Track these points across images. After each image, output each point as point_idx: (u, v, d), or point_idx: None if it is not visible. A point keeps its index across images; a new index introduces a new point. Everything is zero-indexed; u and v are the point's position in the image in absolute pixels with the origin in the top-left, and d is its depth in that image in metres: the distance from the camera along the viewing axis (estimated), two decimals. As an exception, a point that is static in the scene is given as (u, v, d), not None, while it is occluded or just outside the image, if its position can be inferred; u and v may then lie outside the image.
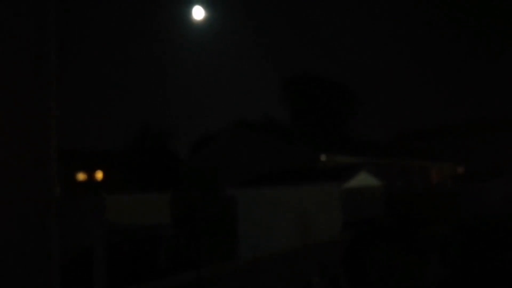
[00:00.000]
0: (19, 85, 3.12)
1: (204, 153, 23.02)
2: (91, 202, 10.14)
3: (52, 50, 3.38)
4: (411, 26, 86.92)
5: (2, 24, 3.03)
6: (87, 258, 7.72)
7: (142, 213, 10.18)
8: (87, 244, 7.98)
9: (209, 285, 6.65)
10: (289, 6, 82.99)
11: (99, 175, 40.60)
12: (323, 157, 17.77)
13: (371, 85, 75.10)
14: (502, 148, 33.91)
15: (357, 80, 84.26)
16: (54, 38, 3.40)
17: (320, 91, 36.41)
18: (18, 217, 2.96)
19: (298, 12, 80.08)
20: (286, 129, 31.09)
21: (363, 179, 14.76)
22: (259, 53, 79.95)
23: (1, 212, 2.85)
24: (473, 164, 30.70)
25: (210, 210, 8.71)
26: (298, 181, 14.14)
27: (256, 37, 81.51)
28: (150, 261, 8.58)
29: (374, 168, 16.31)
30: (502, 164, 28.43)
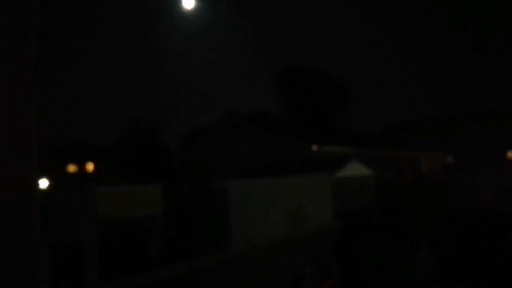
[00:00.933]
0: None
1: (196, 145, 22.96)
2: (82, 195, 10.08)
3: (32, 39, 3.32)
4: (401, 18, 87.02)
5: None
6: (79, 250, 7.70)
7: (133, 206, 10.14)
8: (78, 237, 7.94)
9: (201, 276, 6.67)
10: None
11: (90, 167, 40.33)
12: (314, 148, 17.82)
13: (362, 77, 75.29)
14: (491, 139, 34.26)
15: (348, 72, 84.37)
16: (36, 26, 3.35)
17: (311, 83, 36.40)
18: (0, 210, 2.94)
19: (291, 4, 79.72)
20: (278, 121, 31.08)
21: (354, 169, 14.84)
22: (251, 45, 79.56)
23: None
24: (462, 155, 31.01)
25: (202, 202, 8.70)
26: (289, 172, 14.18)
27: (248, 29, 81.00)
28: (142, 254, 8.58)
29: (365, 158, 16.41)
30: (491, 154, 28.77)
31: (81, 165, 39.71)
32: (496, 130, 34.88)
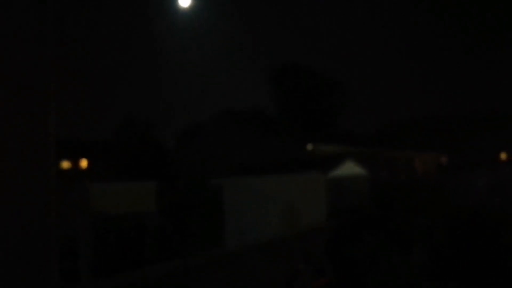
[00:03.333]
0: (20, 82, 3.10)
1: (191, 142, 22.94)
2: (76, 191, 10.04)
3: (51, 46, 3.36)
4: (398, 18, 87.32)
5: (5, 21, 3.00)
6: (73, 247, 7.67)
7: (127, 202, 10.10)
8: (73, 233, 7.92)
9: (196, 273, 6.68)
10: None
11: (83, 163, 40.12)
12: (309, 147, 17.86)
13: (358, 76, 75.48)
14: (485, 139, 34.51)
15: (344, 71, 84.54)
16: (54, 33, 3.39)
17: (308, 82, 36.43)
18: (20, 210, 2.96)
19: (287, 3, 79.75)
20: (274, 119, 31.08)
21: (348, 168, 14.90)
22: (247, 44, 79.49)
23: (4, 207, 2.86)
24: (456, 155, 31.20)
25: (197, 199, 8.71)
26: (284, 170, 14.21)
27: (244, 27, 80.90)
28: (137, 250, 8.56)
29: (360, 158, 16.47)
30: (484, 154, 28.97)
31: (74, 161, 39.51)
32: (490, 132, 35.13)
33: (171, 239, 8.32)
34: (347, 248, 7.24)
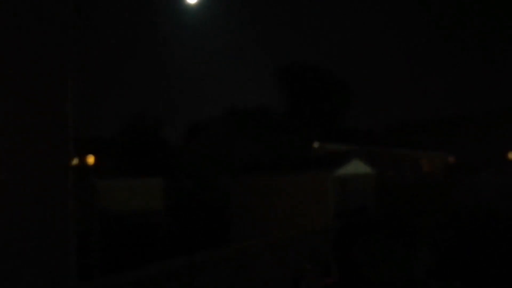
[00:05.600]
0: (37, 82, 3.14)
1: (197, 140, 22.97)
2: (83, 187, 10.09)
3: (69, 43, 3.41)
4: (404, 18, 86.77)
5: (22, 21, 3.06)
6: (80, 244, 7.72)
7: (134, 198, 10.15)
8: (80, 230, 7.96)
9: (201, 271, 6.69)
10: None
11: (90, 159, 40.25)
12: (315, 145, 17.82)
13: (364, 76, 75.12)
14: (492, 140, 34.24)
15: (351, 70, 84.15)
16: (71, 33, 3.43)
17: (314, 81, 36.33)
18: (37, 205, 3.01)
19: (295, 1, 79.50)
20: (280, 117, 31.05)
21: (355, 166, 14.83)
22: (253, 42, 79.40)
23: (21, 204, 2.91)
24: (463, 155, 31.00)
25: (203, 197, 8.72)
26: (290, 169, 14.19)
27: (250, 25, 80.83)
28: (143, 247, 8.59)
29: (366, 157, 16.39)
30: (491, 155, 28.77)
31: (81, 157, 39.69)
32: (497, 131, 34.83)
33: (177, 236, 8.34)
34: (353, 248, 7.23)
